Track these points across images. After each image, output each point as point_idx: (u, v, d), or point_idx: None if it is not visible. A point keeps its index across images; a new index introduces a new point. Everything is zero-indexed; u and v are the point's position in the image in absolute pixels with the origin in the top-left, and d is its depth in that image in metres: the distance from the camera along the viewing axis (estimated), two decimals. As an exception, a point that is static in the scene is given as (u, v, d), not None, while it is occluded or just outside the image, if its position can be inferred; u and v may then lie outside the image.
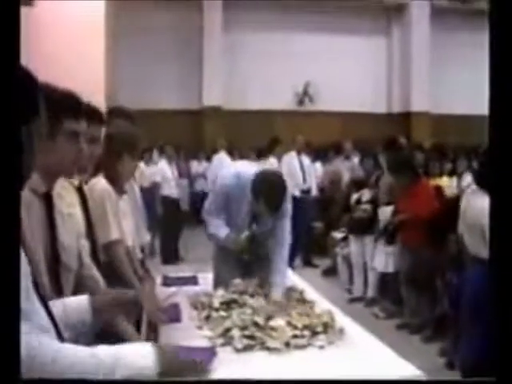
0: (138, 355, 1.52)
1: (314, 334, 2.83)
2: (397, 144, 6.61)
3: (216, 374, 2.45)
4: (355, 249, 6.89)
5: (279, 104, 14.57)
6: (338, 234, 7.97)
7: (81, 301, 1.81)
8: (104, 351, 1.47)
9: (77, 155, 2.06)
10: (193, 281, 4.06)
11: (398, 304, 6.18)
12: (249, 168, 3.68)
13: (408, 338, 5.50)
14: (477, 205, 3.52)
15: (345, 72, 14.93)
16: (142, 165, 7.86)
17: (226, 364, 2.56)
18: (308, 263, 8.95)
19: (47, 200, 2.02)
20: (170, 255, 9.15)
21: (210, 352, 2.63)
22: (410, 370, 2.51)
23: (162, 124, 11.77)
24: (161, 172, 9.13)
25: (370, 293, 6.73)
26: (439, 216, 5.16)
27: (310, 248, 9.09)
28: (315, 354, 2.68)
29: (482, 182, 3.55)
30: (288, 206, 3.66)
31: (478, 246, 3.58)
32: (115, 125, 3.15)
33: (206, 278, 4.03)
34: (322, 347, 2.74)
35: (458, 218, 4.42)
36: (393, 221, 5.72)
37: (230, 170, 3.80)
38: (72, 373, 1.31)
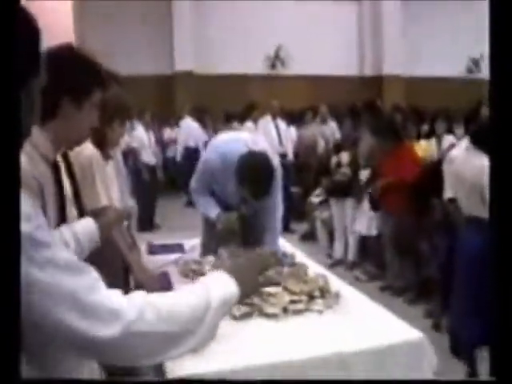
0: (222, 285, 1.45)
1: (311, 298, 2.78)
2: (376, 106, 6.53)
3: (215, 344, 2.39)
4: (336, 212, 6.85)
5: (251, 68, 14.37)
6: (315, 199, 7.92)
7: (88, 223, 1.98)
8: (194, 288, 1.41)
9: (95, 124, 2.05)
10: (179, 248, 3.97)
11: (380, 267, 6.19)
12: (235, 147, 3.40)
13: (391, 300, 5.50)
14: (476, 164, 3.47)
15: (316, 35, 14.77)
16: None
17: (224, 333, 2.49)
18: (285, 228, 8.88)
19: (55, 168, 1.99)
20: (146, 223, 9.02)
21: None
22: (412, 333, 2.47)
23: (133, 90, 11.39)
24: (137, 138, 8.95)
25: (351, 256, 6.72)
26: (422, 179, 5.12)
27: (287, 213, 9.01)
28: (313, 319, 2.63)
29: (479, 142, 3.49)
30: (278, 181, 3.50)
31: (476, 206, 3.55)
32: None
33: (191, 246, 3.94)
34: (320, 312, 2.69)
35: (441, 182, 4.38)
36: (377, 186, 5.66)
37: (215, 150, 3.53)
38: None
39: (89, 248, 1.97)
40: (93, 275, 1.16)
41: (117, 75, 3.38)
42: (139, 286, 2.89)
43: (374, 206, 5.79)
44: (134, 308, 1.18)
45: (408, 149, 5.77)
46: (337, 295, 2.84)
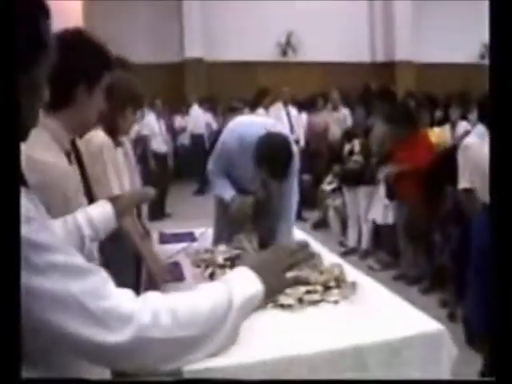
0: (245, 282, 1.41)
1: (327, 288, 2.71)
2: (390, 92, 6.43)
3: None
4: (349, 200, 6.78)
5: (262, 55, 14.26)
6: (327, 186, 7.84)
7: (105, 208, 1.87)
8: (216, 287, 1.35)
9: (102, 107, 2.05)
10: (190, 237, 3.91)
11: (394, 255, 6.11)
12: (253, 129, 3.32)
13: (406, 290, 5.43)
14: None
15: (327, 22, 14.65)
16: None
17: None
18: (297, 216, 8.79)
19: (68, 157, 2.00)
20: (157, 211, 8.98)
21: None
22: (431, 324, 2.40)
23: (143, 77, 11.33)
24: (148, 126, 8.89)
25: (364, 245, 6.65)
26: (436, 167, 5.02)
27: (299, 201, 8.92)
28: (329, 310, 2.56)
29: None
30: (296, 166, 3.42)
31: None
32: (118, 76, 2.94)
33: (202, 234, 3.88)
34: (336, 302, 2.62)
35: (455, 169, 4.28)
36: (390, 173, 5.56)
37: (232, 132, 3.44)
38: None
39: (104, 233, 1.90)
40: (100, 276, 1.09)
41: (127, 61, 3.32)
42: (151, 277, 2.84)
43: (390, 194, 5.70)
44: (148, 311, 1.10)
45: (422, 136, 5.68)
46: (353, 285, 2.77)
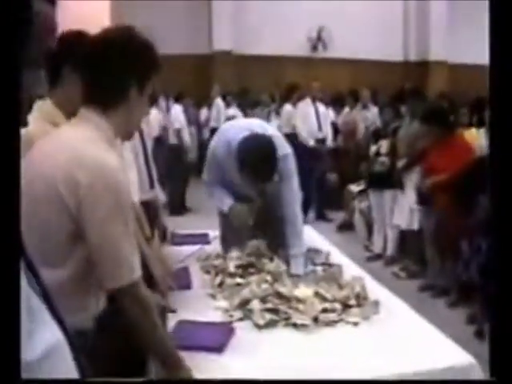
0: None
1: (346, 307, 2.45)
2: (421, 93, 6.11)
3: (236, 356, 2.09)
4: (375, 203, 6.48)
5: (292, 50, 13.97)
6: (355, 187, 7.54)
7: None
8: None
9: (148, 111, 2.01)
10: (204, 239, 3.66)
11: (420, 264, 5.81)
12: (239, 133, 3.11)
13: (432, 302, 5.14)
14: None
15: (360, 18, 14.27)
16: (153, 111, 7.33)
17: (245, 343, 2.20)
18: (321, 217, 8.50)
19: None
20: (178, 206, 8.79)
21: (228, 329, 2.26)
22: (462, 357, 2.11)
23: (171, 69, 11.18)
24: (175, 119, 8.71)
25: (390, 251, 6.34)
26: (471, 173, 4.71)
27: (323, 201, 8.65)
28: (348, 333, 2.30)
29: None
30: (291, 167, 3.18)
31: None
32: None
33: (217, 237, 3.61)
34: (355, 324, 2.36)
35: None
36: (428, 183, 5.25)
37: (219, 138, 3.25)
38: None
39: None
40: None
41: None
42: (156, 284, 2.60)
43: (423, 201, 5.38)
44: None
45: (459, 138, 5.32)
46: (376, 304, 2.50)
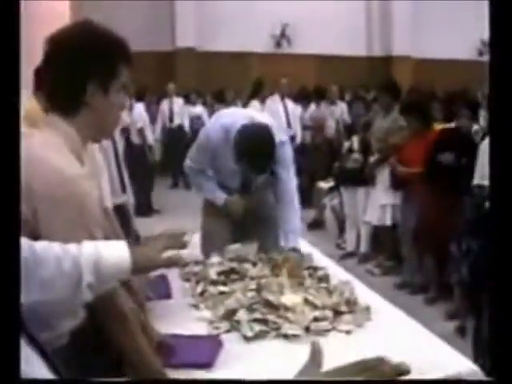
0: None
1: (337, 314, 2.32)
2: (396, 87, 6.05)
3: (224, 370, 1.96)
4: (347, 200, 6.38)
5: (256, 46, 13.86)
6: (324, 184, 7.45)
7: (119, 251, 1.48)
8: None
9: (124, 107, 1.86)
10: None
11: (395, 260, 5.74)
12: (238, 120, 3.04)
13: (409, 299, 5.06)
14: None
15: (323, 14, 14.25)
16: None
17: (233, 357, 2.06)
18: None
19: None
20: (144, 207, 8.57)
21: (216, 342, 2.12)
22: (464, 365, 2.01)
23: (132, 67, 10.92)
24: (137, 118, 8.46)
25: (363, 248, 6.25)
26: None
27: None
28: (342, 342, 2.17)
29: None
30: (288, 153, 3.12)
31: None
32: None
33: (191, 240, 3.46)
34: (348, 332, 2.23)
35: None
36: (400, 169, 5.20)
37: (217, 125, 3.14)
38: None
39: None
40: None
41: None
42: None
43: (397, 185, 5.33)
44: None
45: (434, 132, 5.25)
46: (367, 310, 2.38)
